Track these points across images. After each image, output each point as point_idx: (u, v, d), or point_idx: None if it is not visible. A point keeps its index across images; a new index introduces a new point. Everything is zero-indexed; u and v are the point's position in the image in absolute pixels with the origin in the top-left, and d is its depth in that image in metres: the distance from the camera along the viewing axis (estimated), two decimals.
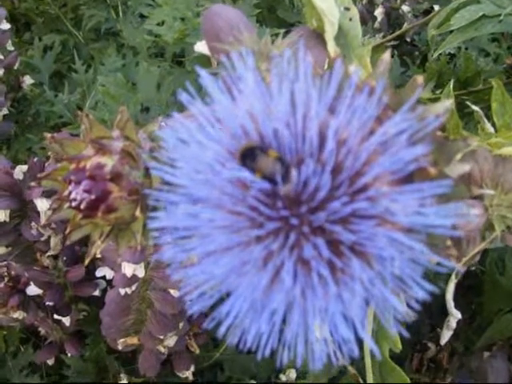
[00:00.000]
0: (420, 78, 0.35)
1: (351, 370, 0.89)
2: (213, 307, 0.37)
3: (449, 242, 0.33)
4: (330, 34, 0.52)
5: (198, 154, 0.34)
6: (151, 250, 0.94)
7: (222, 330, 0.34)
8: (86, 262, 0.45)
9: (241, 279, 0.33)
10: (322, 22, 0.53)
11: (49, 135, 0.45)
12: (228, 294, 0.35)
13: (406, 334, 0.33)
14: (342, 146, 0.32)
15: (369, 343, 0.33)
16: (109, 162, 0.43)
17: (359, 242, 0.32)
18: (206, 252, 0.34)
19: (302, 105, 0.32)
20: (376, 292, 0.32)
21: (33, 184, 0.93)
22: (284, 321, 0.34)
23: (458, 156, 0.34)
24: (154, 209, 0.39)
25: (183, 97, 0.35)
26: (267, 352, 0.33)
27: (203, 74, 0.34)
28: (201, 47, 0.52)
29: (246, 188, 0.33)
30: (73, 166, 0.44)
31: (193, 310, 0.35)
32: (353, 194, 0.32)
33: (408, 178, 0.32)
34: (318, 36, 0.55)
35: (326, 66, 0.43)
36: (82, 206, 0.42)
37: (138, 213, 0.43)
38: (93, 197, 0.42)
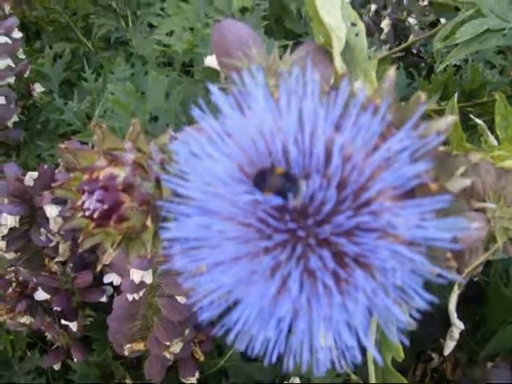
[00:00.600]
0: (423, 96, 0.36)
1: (354, 377, 0.90)
2: (220, 316, 0.38)
3: (449, 255, 0.35)
4: (337, 50, 0.54)
5: (209, 167, 0.35)
6: (159, 257, 0.96)
7: (231, 336, 0.35)
8: (98, 268, 0.46)
9: (249, 288, 0.35)
10: (330, 38, 0.55)
11: (62, 146, 0.46)
12: (236, 303, 0.36)
13: (407, 342, 0.34)
14: (347, 161, 0.33)
15: (371, 351, 0.34)
16: (121, 173, 0.45)
17: (363, 254, 0.34)
18: (216, 262, 0.35)
19: (309, 122, 0.34)
20: (378, 302, 0.33)
21: (45, 193, 0.95)
22: (290, 328, 0.35)
23: (459, 171, 0.36)
24: (165, 220, 0.40)
25: (195, 112, 0.36)
26: (274, 358, 0.35)
27: (214, 90, 0.36)
28: (210, 61, 0.53)
29: (256, 202, 0.35)
30: (86, 176, 0.46)
31: (202, 317, 0.36)
32: (357, 208, 0.33)
33: (410, 193, 0.33)
34: (325, 51, 0.56)
35: (331, 81, 0.45)
36: (95, 216, 0.44)
37: (148, 222, 0.45)
38: (105, 207, 0.44)
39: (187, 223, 0.36)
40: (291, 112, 0.34)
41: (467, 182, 0.37)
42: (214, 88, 0.36)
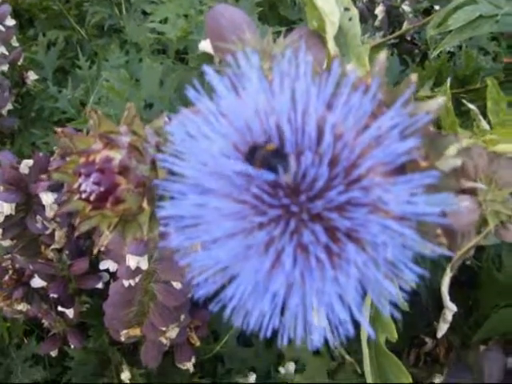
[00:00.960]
0: (414, 76, 0.37)
1: (348, 359, 0.91)
2: (216, 293, 0.39)
3: (439, 231, 0.36)
4: (330, 34, 0.54)
5: (205, 147, 0.36)
6: (155, 242, 0.96)
7: (227, 311, 0.36)
8: (95, 251, 0.47)
9: (245, 263, 0.36)
10: (323, 22, 0.55)
11: (59, 129, 0.47)
12: (231, 280, 0.37)
13: (398, 316, 0.35)
14: (338, 139, 0.34)
15: (364, 325, 0.35)
16: (117, 156, 0.46)
17: (354, 229, 0.35)
18: (212, 239, 0.36)
19: (301, 101, 0.35)
20: (370, 275, 0.34)
21: (43, 176, 0.95)
22: (284, 304, 0.36)
23: (449, 150, 0.36)
24: (162, 199, 0.41)
25: (190, 93, 0.37)
26: (269, 333, 0.36)
27: (209, 71, 0.36)
28: (205, 46, 0.54)
29: (251, 179, 0.36)
30: (82, 159, 0.46)
31: (199, 293, 0.37)
32: (348, 184, 0.34)
33: (401, 170, 0.34)
34: (318, 35, 0.56)
35: (325, 65, 0.45)
36: (91, 198, 0.45)
37: (144, 204, 0.45)
38: (102, 189, 0.44)
39: (183, 201, 0.37)
40: (284, 92, 0.35)
41: (458, 161, 0.37)
42: (208, 69, 0.37)
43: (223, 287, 0.37)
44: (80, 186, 0.45)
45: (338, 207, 0.34)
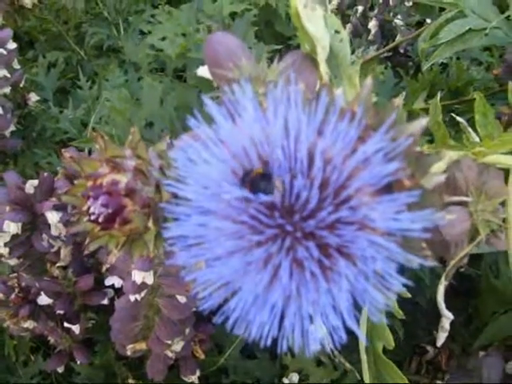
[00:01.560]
0: (397, 101, 0.40)
1: (348, 366, 0.93)
2: (218, 308, 0.42)
3: (424, 245, 0.39)
4: (321, 57, 0.57)
5: (205, 171, 0.39)
6: (160, 258, 0.99)
7: (230, 322, 0.39)
8: (104, 269, 0.50)
9: (245, 278, 0.39)
10: (315, 46, 0.58)
11: (68, 155, 0.50)
12: (233, 294, 0.40)
13: (386, 321, 0.38)
14: (328, 164, 0.37)
15: (356, 331, 0.38)
16: (123, 179, 0.48)
17: (344, 245, 0.38)
18: (214, 256, 0.39)
19: (293, 129, 0.38)
20: (359, 286, 0.37)
21: (53, 199, 0.98)
22: (283, 315, 0.39)
23: (433, 168, 0.39)
24: (167, 220, 0.44)
25: (191, 122, 0.40)
26: (269, 341, 0.39)
27: (208, 102, 0.40)
28: (203, 72, 0.57)
29: (248, 201, 0.39)
30: (90, 182, 0.49)
31: (204, 306, 0.40)
32: (337, 204, 0.38)
33: (388, 190, 0.37)
34: (311, 58, 0.59)
35: (317, 87, 0.48)
36: (100, 219, 0.47)
37: (150, 224, 0.48)
38: (110, 210, 0.47)
39: (187, 222, 0.40)
40: (278, 120, 0.38)
41: (441, 178, 0.40)
42: (207, 99, 0.40)
43: (226, 301, 0.40)
44: (89, 208, 0.48)
45: (329, 225, 0.37)
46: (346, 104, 0.39)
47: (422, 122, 0.40)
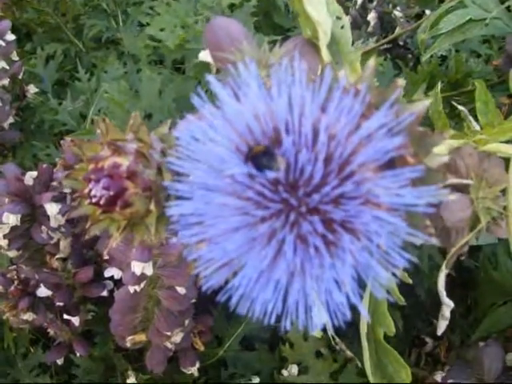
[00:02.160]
0: (400, 81, 0.40)
1: (349, 354, 0.93)
2: (220, 288, 0.42)
3: (427, 222, 0.39)
4: (323, 42, 0.57)
5: (210, 149, 0.39)
6: (160, 248, 0.99)
7: (234, 300, 0.39)
8: (105, 252, 0.49)
9: (249, 254, 0.39)
10: (316, 31, 0.58)
11: (68, 139, 0.49)
12: (236, 273, 0.40)
13: (391, 299, 0.38)
14: (332, 139, 0.37)
15: (359, 308, 0.38)
16: (124, 162, 0.48)
17: (348, 220, 0.38)
18: (218, 233, 0.39)
19: (297, 105, 0.38)
20: (363, 261, 0.37)
21: (54, 184, 0.97)
22: (286, 292, 0.39)
23: (436, 148, 0.39)
24: (169, 199, 0.44)
25: (195, 100, 0.40)
26: (272, 319, 0.39)
27: (212, 80, 0.39)
28: (204, 56, 0.56)
29: (253, 177, 0.39)
30: (91, 166, 0.49)
31: (208, 285, 0.40)
32: (341, 179, 0.38)
33: (391, 166, 0.37)
34: (312, 44, 0.59)
35: (319, 72, 0.48)
36: (101, 202, 0.47)
37: (152, 207, 0.48)
38: (111, 193, 0.47)
39: (190, 200, 0.40)
40: (282, 97, 0.38)
41: (445, 158, 0.40)
42: (211, 78, 0.39)
43: (227, 282, 0.40)
44: (90, 190, 0.47)
45: (333, 200, 0.37)
46: (348, 84, 0.39)
47: (425, 102, 0.40)
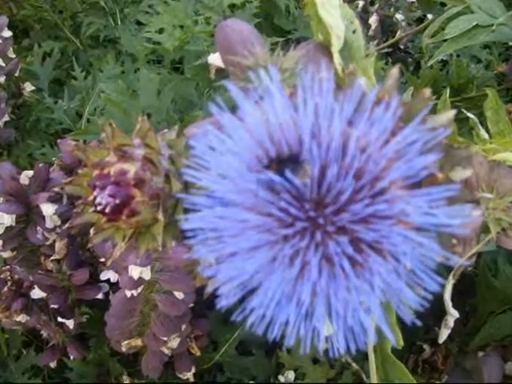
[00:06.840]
0: (427, 92, 0.38)
1: (355, 366, 0.92)
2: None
3: (454, 241, 0.37)
4: (336, 47, 0.55)
5: (229, 160, 0.37)
6: (160, 253, 0.97)
7: (251, 320, 0.37)
8: (108, 262, 0.47)
9: (269, 275, 0.37)
10: (328, 35, 0.56)
11: (73, 143, 0.47)
12: (252, 291, 0.38)
13: (418, 323, 0.36)
14: (362, 153, 0.35)
15: (386, 332, 0.36)
16: (131, 169, 0.46)
17: (377, 240, 0.36)
18: (236, 251, 0.37)
19: (325, 117, 0.36)
20: (392, 284, 0.35)
21: (55, 187, 0.96)
22: (307, 313, 0.37)
23: (462, 162, 0.37)
24: (180, 211, 0.42)
25: (213, 109, 0.37)
26: (292, 341, 0.37)
27: (232, 87, 0.37)
28: (214, 59, 0.54)
29: (276, 192, 0.37)
30: (96, 172, 0.47)
31: (222, 304, 0.38)
32: (372, 196, 0.36)
33: (416, 183, 0.36)
34: (324, 48, 0.57)
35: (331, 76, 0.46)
36: (106, 210, 0.45)
37: (160, 216, 0.46)
38: (117, 201, 0.45)
39: (206, 214, 0.38)
40: (307, 107, 0.36)
41: (468, 172, 0.38)
42: (231, 85, 0.37)
43: (243, 299, 0.38)
44: (95, 198, 0.45)
45: (363, 219, 0.35)
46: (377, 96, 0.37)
47: (449, 114, 0.38)
